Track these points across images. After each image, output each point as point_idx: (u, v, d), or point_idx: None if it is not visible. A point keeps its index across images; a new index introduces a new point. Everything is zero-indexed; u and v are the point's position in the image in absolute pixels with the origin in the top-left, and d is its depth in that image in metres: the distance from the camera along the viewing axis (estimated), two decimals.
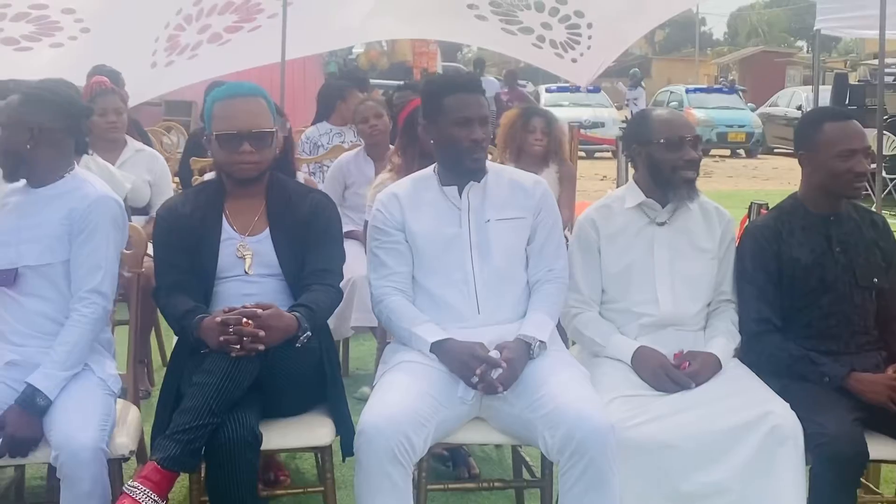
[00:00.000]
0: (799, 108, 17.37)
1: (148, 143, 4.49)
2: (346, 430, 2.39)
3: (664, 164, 2.49)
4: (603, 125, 15.83)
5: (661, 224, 2.55)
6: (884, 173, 9.19)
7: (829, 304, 2.47)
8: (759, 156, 18.01)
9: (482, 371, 2.25)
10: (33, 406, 2.20)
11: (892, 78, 13.27)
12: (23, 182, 2.47)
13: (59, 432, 2.18)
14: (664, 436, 2.21)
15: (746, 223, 2.72)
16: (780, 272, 2.50)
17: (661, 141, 2.48)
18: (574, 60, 5.58)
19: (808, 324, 2.48)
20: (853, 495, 2.30)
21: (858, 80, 12.49)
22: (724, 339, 2.49)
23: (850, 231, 2.54)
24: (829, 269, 2.47)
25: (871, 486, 2.59)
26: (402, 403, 2.22)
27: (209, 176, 2.89)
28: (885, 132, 8.78)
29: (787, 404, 2.27)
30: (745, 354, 2.53)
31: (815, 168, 2.51)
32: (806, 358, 2.39)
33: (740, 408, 2.27)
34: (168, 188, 3.97)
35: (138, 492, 2.07)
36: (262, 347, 2.18)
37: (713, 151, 18.77)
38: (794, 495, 2.22)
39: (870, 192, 5.50)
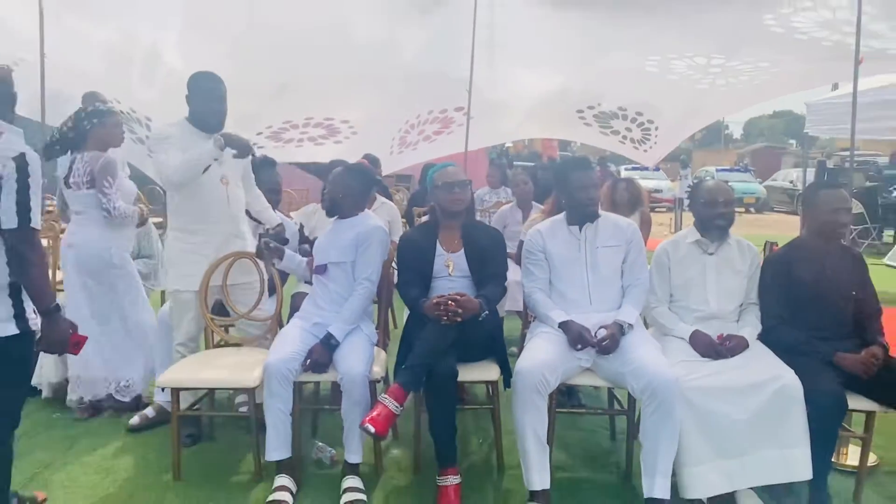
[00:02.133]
0: (791, 182, 18.01)
1: (390, 198, 4.89)
2: (506, 372, 2.68)
3: (703, 216, 2.70)
4: (661, 191, 17.58)
5: (711, 254, 2.74)
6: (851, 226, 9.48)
7: (822, 307, 2.60)
8: (764, 213, 18.61)
9: (584, 347, 2.50)
10: (329, 345, 2.57)
11: (856, 164, 13.04)
12: (335, 217, 2.86)
13: (344, 363, 2.54)
14: (710, 387, 2.38)
15: (766, 254, 2.99)
16: (789, 284, 2.62)
17: (703, 201, 2.70)
18: (645, 151, 5.95)
19: (808, 320, 2.60)
20: (836, 431, 2.44)
21: (834, 165, 12.78)
22: (750, 328, 2.64)
23: (836, 260, 2.65)
24: (822, 285, 2.59)
25: (846, 426, 2.65)
26: (541, 357, 2.46)
27: (426, 218, 3.17)
28: (853, 199, 9.07)
29: (793, 371, 2.40)
30: (765, 338, 2.65)
31: (814, 220, 2.63)
32: (806, 341, 2.53)
33: (760, 371, 2.42)
34: (398, 226, 4.34)
35: (387, 401, 2.38)
36: (459, 319, 2.46)
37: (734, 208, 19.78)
38: (800, 434, 2.38)
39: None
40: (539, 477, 2.42)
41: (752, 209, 19.34)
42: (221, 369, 2.71)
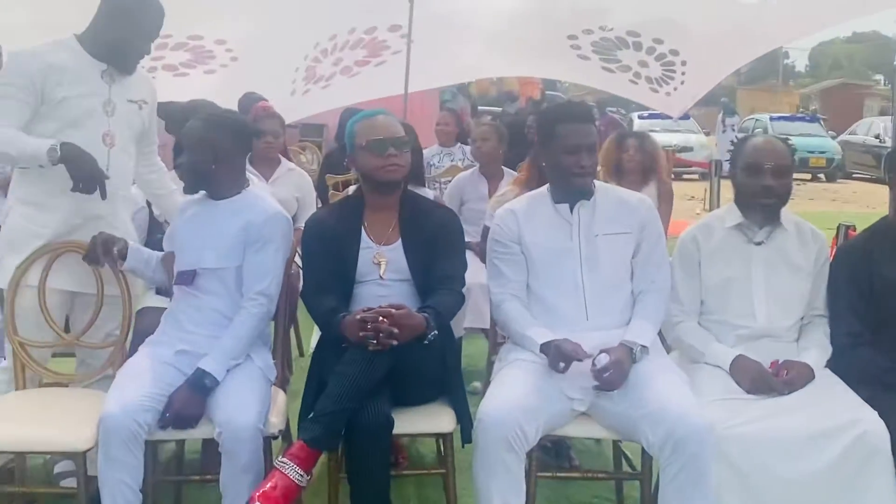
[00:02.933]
0: (877, 136, 18.31)
1: (289, 160, 4.91)
2: (465, 420, 2.69)
3: (743, 188, 2.74)
4: (692, 149, 17.26)
5: (759, 244, 2.78)
6: None
7: None
8: (838, 180, 18.83)
9: (565, 367, 2.52)
10: (201, 387, 2.54)
11: None
12: (201, 193, 2.80)
13: (224, 412, 2.50)
14: (759, 437, 2.42)
15: (839, 243, 3.09)
16: (870, 288, 2.67)
17: (742, 166, 2.72)
18: (668, 94, 6.00)
19: None
20: None
21: None
22: (816, 351, 2.69)
23: None
24: None
25: None
26: (516, 396, 2.48)
27: (352, 189, 3.21)
28: None
29: (876, 412, 2.43)
30: (837, 365, 2.69)
31: None
32: (894, 369, 2.57)
33: (831, 414, 2.46)
34: (312, 204, 4.38)
35: (287, 467, 2.39)
36: (395, 342, 2.45)
37: (794, 175, 19.78)
38: (888, 498, 2.41)
39: None
40: None
41: (821, 175, 19.68)
42: (33, 424, 2.75)
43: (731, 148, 2.90)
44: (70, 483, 2.98)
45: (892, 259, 2.72)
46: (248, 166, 3.14)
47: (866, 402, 2.54)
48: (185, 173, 2.82)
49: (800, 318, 2.84)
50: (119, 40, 2.94)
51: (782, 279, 2.81)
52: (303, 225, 3.29)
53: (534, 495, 2.60)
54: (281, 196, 3.87)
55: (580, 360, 2.53)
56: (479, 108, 10.73)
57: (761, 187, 2.72)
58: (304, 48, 5.56)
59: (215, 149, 2.74)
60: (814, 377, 2.65)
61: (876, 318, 2.72)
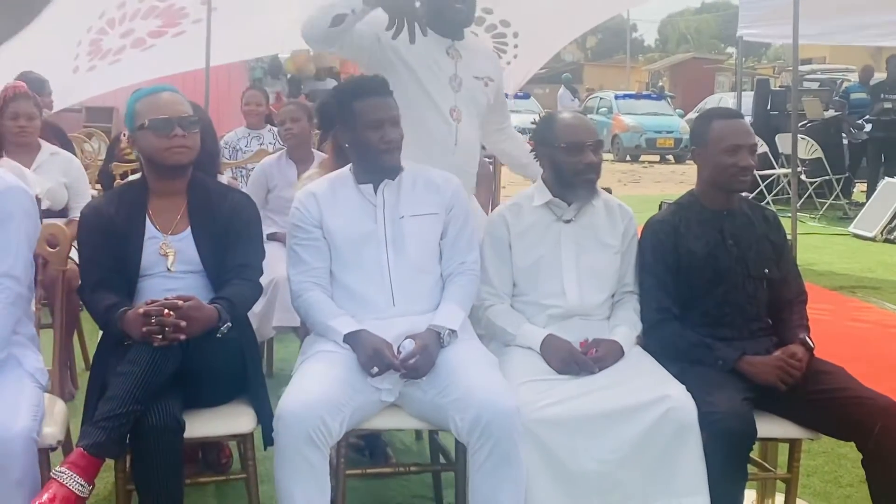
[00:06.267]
0: None
1: (71, 150, 4.70)
2: (267, 420, 2.64)
3: (566, 166, 2.82)
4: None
5: (568, 221, 2.90)
6: (803, 176, 9.95)
7: (723, 293, 2.82)
8: (687, 161, 18.85)
9: (380, 370, 2.56)
10: None
11: (818, 84, 14.29)
12: None
13: None
14: (568, 416, 2.52)
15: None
16: (677, 264, 2.83)
17: (563, 145, 2.80)
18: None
19: (705, 312, 2.82)
20: (743, 470, 2.63)
21: (780, 86, 13.47)
22: (626, 328, 2.84)
23: (742, 225, 2.89)
24: (722, 261, 2.82)
25: (763, 462, 2.95)
26: (318, 389, 2.49)
27: (134, 177, 3.13)
28: (802, 136, 9.58)
29: (684, 387, 2.58)
30: (647, 341, 2.87)
31: (705, 163, 2.87)
32: (702, 344, 2.73)
33: (639, 390, 2.60)
34: (85, 190, 4.22)
35: (66, 476, 2.30)
36: (183, 337, 2.44)
37: (642, 157, 20.00)
38: (694, 476, 2.54)
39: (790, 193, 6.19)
40: None
41: (670, 156, 20.06)
42: None
43: (533, 125, 2.92)
44: None
45: (697, 233, 2.88)
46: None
47: (675, 377, 2.67)
48: None
49: (610, 295, 2.98)
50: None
51: (592, 257, 2.94)
52: (78, 215, 3.15)
53: (344, 494, 2.63)
54: (47, 185, 3.67)
55: (389, 363, 2.58)
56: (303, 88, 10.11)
57: (584, 165, 2.82)
58: (88, 19, 5.29)
59: None
60: (623, 354, 2.79)
61: (684, 293, 2.87)
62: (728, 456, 2.56)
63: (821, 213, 10.57)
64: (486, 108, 3.37)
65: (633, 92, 24.87)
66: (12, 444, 2.34)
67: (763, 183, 10.50)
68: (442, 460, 3.07)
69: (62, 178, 4.27)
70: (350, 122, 2.77)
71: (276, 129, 5.47)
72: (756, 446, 2.79)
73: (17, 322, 2.60)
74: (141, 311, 2.46)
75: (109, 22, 5.27)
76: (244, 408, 2.71)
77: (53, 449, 2.55)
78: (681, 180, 15.26)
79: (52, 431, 2.51)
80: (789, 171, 7.72)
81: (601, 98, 23.11)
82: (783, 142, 10.13)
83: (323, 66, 11.23)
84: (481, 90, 3.31)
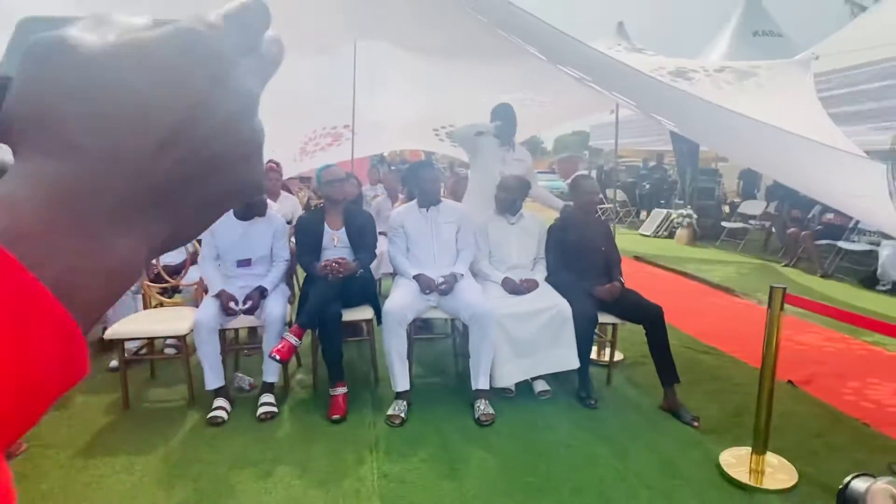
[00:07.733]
0: None
1: (291, 193, 8.14)
2: (378, 313, 4.81)
3: (500, 202, 5.49)
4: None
5: (512, 224, 5.31)
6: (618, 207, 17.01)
7: (584, 258, 5.17)
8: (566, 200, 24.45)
9: (430, 291, 4.59)
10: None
11: (622, 167, 23.18)
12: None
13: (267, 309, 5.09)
14: (513, 313, 4.68)
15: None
16: (564, 244, 5.21)
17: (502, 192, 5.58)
18: None
19: (577, 267, 5.14)
20: (591, 337, 4.87)
21: (609, 168, 21.76)
22: (540, 274, 5.15)
23: (593, 226, 5.28)
24: (584, 243, 5.19)
25: (600, 334, 5.47)
26: (401, 300, 4.62)
27: (319, 204, 5.37)
28: (619, 190, 18.41)
29: (566, 300, 4.86)
30: (549, 279, 5.13)
31: (578, 198, 5.30)
32: (574, 281, 5.13)
33: (543, 301, 4.81)
34: (298, 213, 6.76)
35: (290, 336, 4.38)
36: (341, 275, 4.57)
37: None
38: (570, 340, 4.73)
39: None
40: (402, 381, 4.66)
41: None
42: (156, 323, 4.88)
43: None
44: (170, 352, 5.32)
45: (573, 229, 5.38)
46: None
47: (562, 295, 5.08)
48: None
49: (533, 258, 5.42)
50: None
51: (523, 239, 5.35)
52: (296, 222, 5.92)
53: (412, 346, 4.89)
54: (290, 211, 6.96)
55: (433, 288, 4.84)
56: (391, 167, 13.92)
57: (511, 201, 5.42)
58: (299, 137, 8.90)
59: None
60: (538, 286, 5.15)
61: (566, 258, 5.34)
62: (584, 330, 4.86)
63: (626, 224, 19.05)
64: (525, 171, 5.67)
65: (543, 170, 30.69)
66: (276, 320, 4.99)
67: (600, 208, 16.35)
68: (455, 334, 5.56)
69: (290, 208, 6.84)
70: (417, 180, 5.25)
71: (382, 185, 8.76)
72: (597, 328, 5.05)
73: (284, 273, 4.98)
74: (323, 264, 4.72)
75: (308, 138, 8.91)
76: (367, 308, 5.02)
77: (287, 324, 5.06)
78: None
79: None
80: (611, 205, 13.50)
81: None
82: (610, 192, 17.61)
83: (402, 157, 16.67)
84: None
